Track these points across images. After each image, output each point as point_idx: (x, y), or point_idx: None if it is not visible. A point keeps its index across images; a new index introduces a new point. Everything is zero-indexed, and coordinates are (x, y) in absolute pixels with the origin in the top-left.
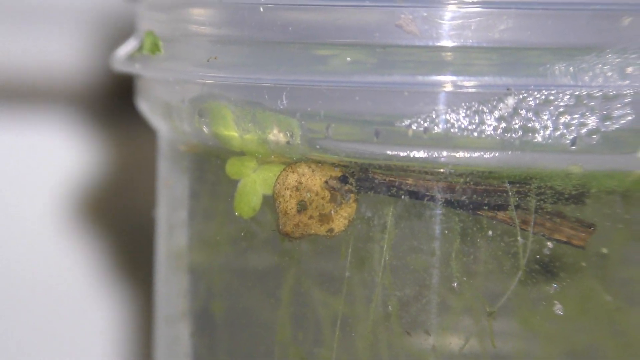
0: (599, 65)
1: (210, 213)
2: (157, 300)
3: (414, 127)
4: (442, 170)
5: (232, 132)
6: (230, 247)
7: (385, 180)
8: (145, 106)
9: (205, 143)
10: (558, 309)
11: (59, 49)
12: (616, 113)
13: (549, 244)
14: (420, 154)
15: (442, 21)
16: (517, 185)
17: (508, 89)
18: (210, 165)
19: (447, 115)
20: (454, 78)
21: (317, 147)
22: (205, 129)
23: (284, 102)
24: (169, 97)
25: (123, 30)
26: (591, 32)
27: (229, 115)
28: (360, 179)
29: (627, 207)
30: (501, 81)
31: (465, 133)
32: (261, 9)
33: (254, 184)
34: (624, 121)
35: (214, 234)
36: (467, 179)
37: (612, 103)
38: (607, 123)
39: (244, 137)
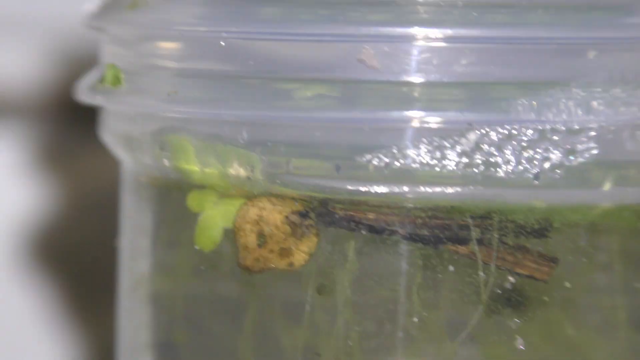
0: (564, 100)
1: (173, 245)
2: (119, 332)
3: (375, 162)
4: (403, 205)
5: (192, 166)
6: (192, 279)
7: (346, 215)
8: (107, 137)
9: (167, 176)
10: (520, 343)
11: (15, 65)
12: (580, 147)
13: (511, 278)
14: (381, 189)
15: (404, 56)
16: (479, 219)
17: (470, 125)
18: (172, 197)
19: (409, 150)
20: (416, 113)
21: (278, 181)
22: (166, 162)
23: (244, 136)
24: (131, 129)
25: (85, 50)
26: (555, 66)
27: (189, 149)
28: (321, 213)
29: (591, 240)
30: (463, 116)
31: (426, 168)
32: (222, 43)
33: (215, 217)
34: (588, 155)
35: (176, 266)
36: (429, 214)
37: (576, 137)
38: (571, 157)
39: (205, 171)
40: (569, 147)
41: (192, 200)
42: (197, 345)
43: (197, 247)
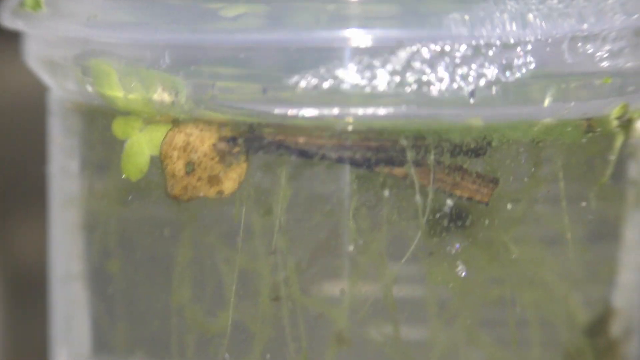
0: (498, 14)
1: (102, 173)
2: (52, 259)
3: (302, 83)
4: (334, 127)
5: (116, 92)
6: (123, 208)
7: (275, 139)
8: (31, 62)
9: (91, 102)
10: (461, 269)
11: None
12: (517, 62)
13: (449, 201)
14: (309, 111)
15: None
16: (414, 139)
17: (400, 42)
18: (98, 124)
19: (338, 71)
20: (345, 32)
21: (203, 106)
22: (89, 88)
23: (167, 60)
24: (53, 54)
25: None
26: None
27: (112, 74)
28: (249, 139)
29: (532, 158)
30: (393, 34)
31: (357, 89)
32: None
33: (141, 144)
34: (526, 70)
35: (105, 194)
36: (361, 136)
37: (512, 52)
38: (508, 73)
39: (129, 97)
40: (505, 62)
41: (117, 127)
42: (130, 274)
43: (124, 175)
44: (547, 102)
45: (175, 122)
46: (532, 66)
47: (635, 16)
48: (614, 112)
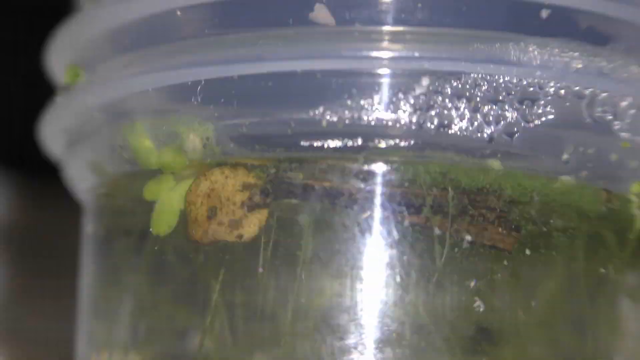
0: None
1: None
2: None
3: (327, 116)
4: (357, 159)
5: (147, 144)
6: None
7: (301, 183)
8: (71, 171)
9: (125, 171)
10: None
11: None
12: (536, 109)
13: (469, 244)
14: (334, 143)
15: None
16: (435, 189)
17: (424, 73)
18: (128, 191)
19: (362, 101)
20: (370, 63)
21: (232, 145)
22: (125, 155)
23: (199, 98)
24: (92, 145)
25: None
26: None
27: (142, 131)
28: (272, 182)
29: (551, 215)
30: (418, 65)
31: (381, 122)
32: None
33: (171, 201)
34: (545, 119)
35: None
36: (384, 180)
37: (532, 97)
38: (527, 119)
39: (161, 151)
40: (525, 107)
41: (149, 190)
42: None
43: (153, 232)
44: (564, 157)
45: (203, 170)
46: (551, 116)
47: None
48: (633, 187)
